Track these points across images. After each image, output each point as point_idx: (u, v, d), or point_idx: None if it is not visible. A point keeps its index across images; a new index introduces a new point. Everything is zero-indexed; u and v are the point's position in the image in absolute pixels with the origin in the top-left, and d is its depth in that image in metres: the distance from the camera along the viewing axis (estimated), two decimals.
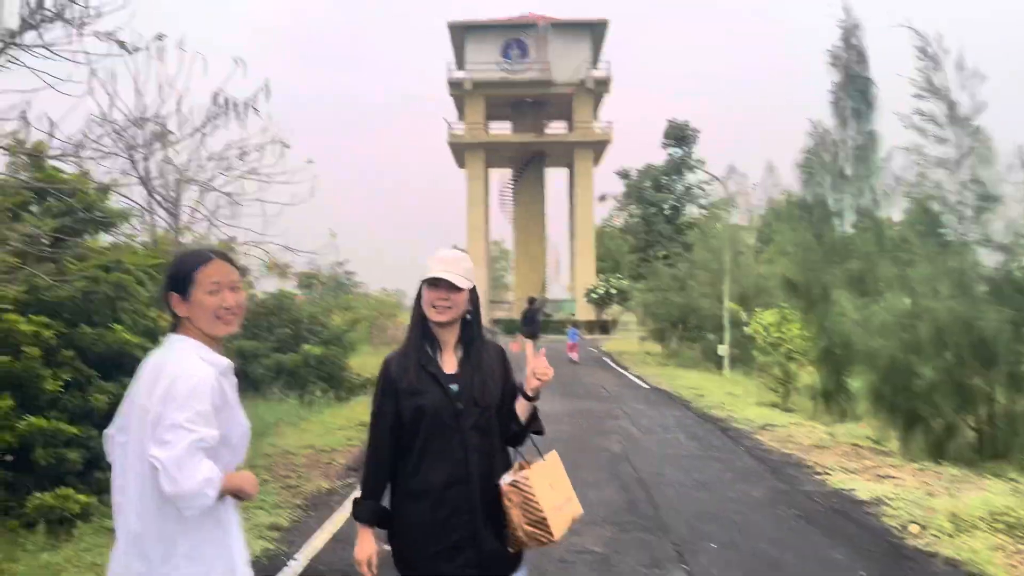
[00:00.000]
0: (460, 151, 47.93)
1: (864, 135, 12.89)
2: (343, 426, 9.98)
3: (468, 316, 2.51)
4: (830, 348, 12.15)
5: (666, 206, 33.11)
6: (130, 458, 1.99)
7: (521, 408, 2.51)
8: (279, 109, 10.16)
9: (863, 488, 6.97)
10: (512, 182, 50.47)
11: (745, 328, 14.65)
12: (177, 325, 2.08)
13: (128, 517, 2.00)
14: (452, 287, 2.42)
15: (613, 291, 42.80)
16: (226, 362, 2.09)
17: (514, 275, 54.22)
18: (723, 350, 18.61)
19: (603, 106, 49.48)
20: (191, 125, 9.75)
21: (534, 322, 19.22)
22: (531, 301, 19.89)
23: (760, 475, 7.43)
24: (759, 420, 11.35)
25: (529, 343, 19.40)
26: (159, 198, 9.71)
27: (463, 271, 2.46)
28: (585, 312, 44.18)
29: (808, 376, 14.96)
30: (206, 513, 1.94)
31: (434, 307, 2.43)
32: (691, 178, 34.32)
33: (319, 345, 13.53)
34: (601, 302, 43.46)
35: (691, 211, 32.72)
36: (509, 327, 42.46)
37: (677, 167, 33.88)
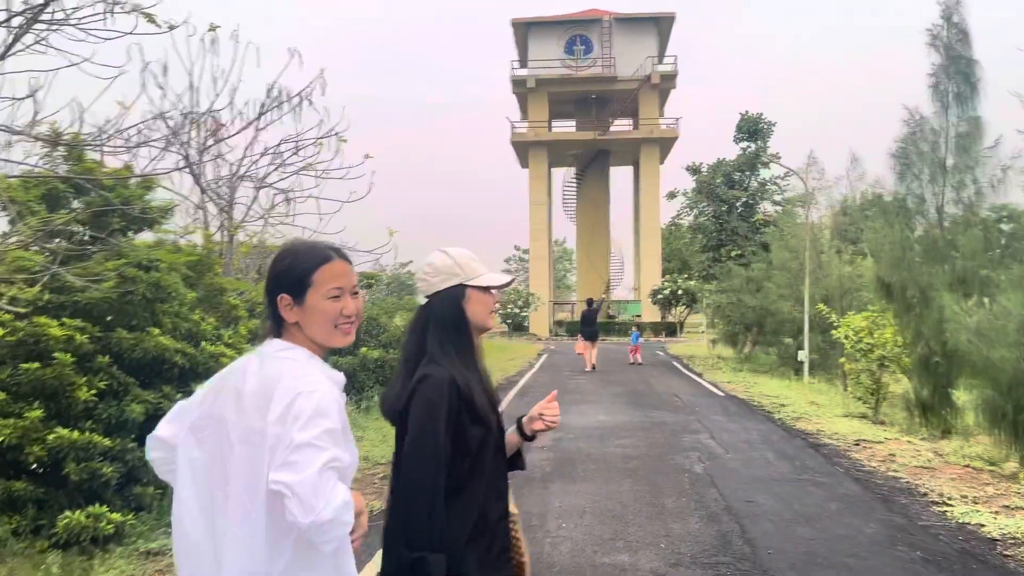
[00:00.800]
0: (523, 150, 47.31)
1: (967, 121, 11.69)
2: None
3: None
4: (929, 356, 11.04)
5: (739, 203, 31.04)
6: (231, 484, 1.69)
7: (511, 442, 2.22)
8: (337, 107, 9.67)
9: (992, 523, 6.01)
10: (575, 180, 49.58)
11: (833, 331, 13.53)
12: (280, 331, 1.80)
13: (224, 554, 1.68)
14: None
15: (680, 292, 41.53)
16: (342, 377, 1.83)
17: (577, 276, 53.34)
18: (803, 355, 17.46)
19: (669, 102, 48.19)
20: (245, 118, 9.35)
21: (593, 323, 19.45)
22: (589, 303, 20.08)
23: (869, 505, 6.51)
24: (851, 435, 10.33)
25: (591, 345, 19.40)
26: (212, 194, 9.33)
27: None
28: (650, 313, 43.03)
29: (899, 386, 13.77)
30: (316, 555, 1.66)
31: (492, 313, 2.18)
32: (765, 174, 32.27)
33: (377, 348, 13.09)
34: (667, 303, 42.25)
35: (766, 208, 30.71)
36: (571, 329, 41.66)
37: (751, 162, 31.77)
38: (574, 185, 49.90)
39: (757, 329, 19.44)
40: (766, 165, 30.65)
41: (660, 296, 41.82)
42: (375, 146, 10.07)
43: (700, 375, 19.03)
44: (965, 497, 6.81)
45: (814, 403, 13.68)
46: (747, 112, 32.94)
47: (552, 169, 50.96)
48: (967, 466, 8.44)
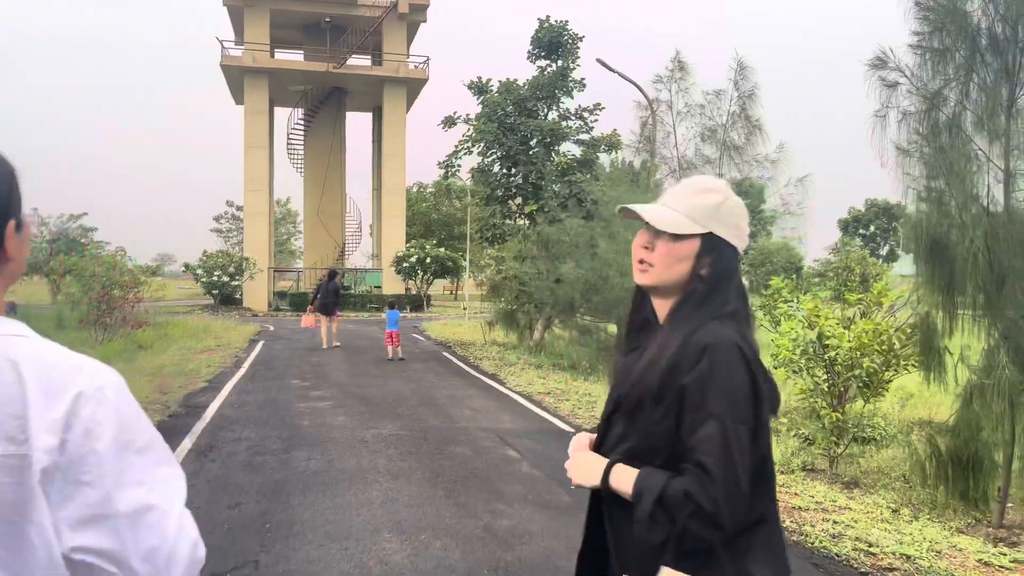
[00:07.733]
0: (237, 79, 37.86)
1: None
2: None
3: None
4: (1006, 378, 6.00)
5: (532, 140, 23.72)
6: None
7: None
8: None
9: None
10: (303, 123, 41.14)
11: (773, 328, 8.15)
12: None
13: None
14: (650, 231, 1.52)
15: (428, 260, 35.63)
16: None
17: (304, 239, 44.93)
18: None
19: (418, 38, 41.74)
20: None
21: (330, 295, 17.57)
22: (332, 275, 18.11)
23: None
24: (918, 554, 4.89)
25: (325, 319, 17.38)
26: None
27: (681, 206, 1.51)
28: (392, 284, 36.62)
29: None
30: None
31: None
32: (568, 103, 24.18)
33: None
34: (411, 272, 36.12)
35: (569, 149, 24.13)
36: (296, 303, 33.86)
37: (551, 86, 24.35)
38: (302, 129, 41.52)
39: (578, 304, 13.90)
40: (569, 92, 23.98)
41: (406, 264, 35.55)
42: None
43: (496, 377, 13.05)
44: None
45: None
46: (547, 19, 24.88)
47: (276, 108, 42.08)
48: None
